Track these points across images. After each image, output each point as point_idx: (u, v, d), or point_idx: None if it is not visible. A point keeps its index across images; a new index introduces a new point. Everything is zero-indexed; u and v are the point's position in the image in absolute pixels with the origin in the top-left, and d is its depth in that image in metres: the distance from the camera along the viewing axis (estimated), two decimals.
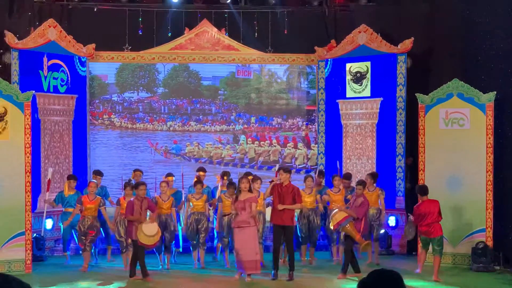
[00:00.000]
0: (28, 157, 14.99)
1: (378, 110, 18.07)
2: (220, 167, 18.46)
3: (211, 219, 15.92)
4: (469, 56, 16.83)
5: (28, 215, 14.99)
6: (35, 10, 18.11)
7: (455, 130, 15.76)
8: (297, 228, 15.96)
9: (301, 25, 19.12)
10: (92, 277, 14.54)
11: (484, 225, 15.45)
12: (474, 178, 15.52)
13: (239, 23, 18.92)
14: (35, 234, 16.01)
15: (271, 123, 19.43)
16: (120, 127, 19.08)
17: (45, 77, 17.36)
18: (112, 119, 19.04)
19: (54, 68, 17.57)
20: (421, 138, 16.06)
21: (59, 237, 17.12)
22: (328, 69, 18.69)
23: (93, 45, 18.19)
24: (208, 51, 18.91)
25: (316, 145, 19.07)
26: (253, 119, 19.40)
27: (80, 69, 18.17)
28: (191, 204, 15.62)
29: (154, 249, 15.02)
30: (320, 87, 18.86)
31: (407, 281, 4.00)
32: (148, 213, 14.36)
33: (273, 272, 14.07)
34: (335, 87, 18.63)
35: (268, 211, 14.98)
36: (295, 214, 15.46)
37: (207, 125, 19.30)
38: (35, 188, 16.34)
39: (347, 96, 18.49)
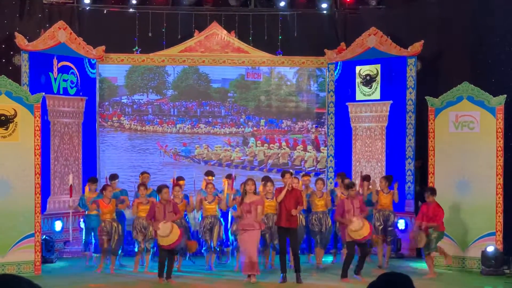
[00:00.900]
0: (37, 159, 15.02)
1: (387, 113, 18.04)
2: (229, 170, 18.42)
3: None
4: (479, 59, 16.80)
5: (38, 217, 15.02)
6: (45, 12, 18.17)
7: (465, 134, 15.72)
8: (308, 231, 15.99)
9: (310, 27, 19.10)
10: (102, 279, 14.57)
11: (493, 228, 15.40)
12: (484, 181, 15.47)
13: (248, 26, 18.91)
14: (44, 236, 16.05)
15: (281, 126, 19.41)
16: (129, 129, 19.10)
17: (55, 79, 17.40)
18: (122, 121, 19.06)
19: (64, 70, 17.60)
20: (431, 141, 16.03)
21: (68, 239, 17.17)
22: (338, 72, 18.67)
23: (103, 47, 18.22)
24: (218, 53, 18.91)
25: (326, 148, 19.04)
26: (262, 122, 19.39)
27: (90, 71, 18.20)
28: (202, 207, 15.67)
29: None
30: (329, 90, 18.84)
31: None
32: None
33: (282, 275, 14.08)
34: (344, 89, 18.61)
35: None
36: (303, 217, 15.57)
37: (216, 127, 19.30)
38: (45, 190, 16.39)
39: (357, 99, 18.47)
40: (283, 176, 14.63)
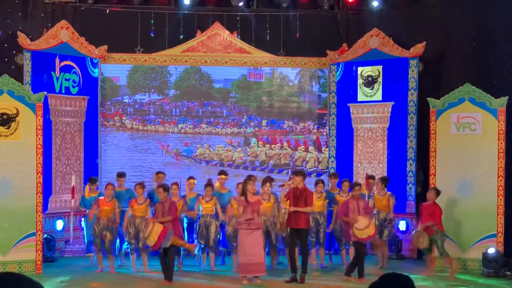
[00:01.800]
0: (39, 158, 15.04)
1: (389, 114, 18.05)
2: (231, 170, 18.43)
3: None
4: (481, 60, 16.80)
5: (39, 216, 15.04)
6: (48, 11, 18.17)
7: (467, 135, 15.72)
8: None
9: (313, 28, 19.11)
10: (103, 278, 14.59)
11: (495, 230, 15.40)
12: (485, 183, 15.48)
13: (251, 26, 18.92)
14: (46, 235, 16.07)
15: (282, 126, 19.41)
16: (131, 129, 19.10)
17: (57, 79, 17.41)
18: (123, 121, 19.06)
19: (66, 69, 17.61)
20: (432, 143, 16.04)
21: (69, 238, 17.19)
22: (339, 73, 18.67)
23: (105, 47, 18.24)
24: (220, 53, 18.92)
25: (327, 149, 19.05)
26: (264, 122, 19.39)
27: (92, 70, 18.21)
28: (200, 206, 15.65)
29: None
30: (331, 91, 18.85)
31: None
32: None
33: (291, 275, 14.10)
34: (346, 90, 18.61)
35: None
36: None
37: (218, 127, 19.31)
38: (46, 189, 16.40)
39: (359, 100, 18.47)
40: (293, 176, 14.67)
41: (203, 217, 15.56)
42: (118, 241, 15.76)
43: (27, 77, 16.67)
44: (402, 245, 17.22)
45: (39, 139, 15.05)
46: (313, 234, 15.76)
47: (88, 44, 17.99)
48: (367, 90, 18.33)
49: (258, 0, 19.10)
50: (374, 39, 17.98)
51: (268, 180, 15.32)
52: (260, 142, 19.36)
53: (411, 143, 17.59)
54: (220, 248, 16.07)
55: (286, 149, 19.38)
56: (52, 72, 17.28)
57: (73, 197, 16.42)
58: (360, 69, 18.38)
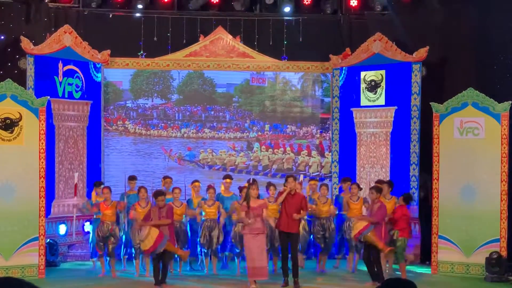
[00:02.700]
0: (42, 162, 15.06)
1: (392, 119, 18.03)
2: (233, 175, 18.41)
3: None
4: (484, 65, 16.80)
5: (42, 220, 15.05)
6: (51, 16, 18.19)
7: (470, 140, 15.71)
8: (312, 237, 16.00)
9: (315, 33, 19.11)
10: (106, 283, 14.59)
11: (498, 235, 15.38)
12: (489, 187, 15.46)
13: (254, 31, 18.92)
14: (48, 240, 16.07)
15: (285, 131, 19.41)
16: (134, 134, 19.12)
17: (60, 83, 17.42)
18: (126, 126, 19.07)
19: (69, 74, 17.62)
20: (436, 147, 16.02)
21: (71, 242, 17.20)
22: (342, 77, 18.67)
23: (108, 51, 18.24)
24: (223, 58, 18.93)
25: (330, 153, 19.04)
26: (267, 127, 19.39)
27: (95, 75, 18.22)
28: (202, 211, 15.65)
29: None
30: (334, 95, 18.84)
31: None
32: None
33: (283, 279, 14.10)
34: (349, 95, 18.60)
35: None
36: (305, 222, 15.59)
37: (221, 132, 19.31)
38: (49, 194, 16.40)
39: (362, 104, 18.46)
40: (286, 180, 14.61)
41: (206, 221, 15.55)
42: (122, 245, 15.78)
43: (30, 82, 16.66)
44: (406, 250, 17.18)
45: (42, 143, 15.07)
46: (321, 239, 15.77)
47: (91, 48, 18.01)
48: (370, 94, 18.32)
49: (261, 4, 19.11)
50: (377, 44, 17.97)
51: (272, 184, 15.44)
52: (263, 147, 19.36)
53: (414, 147, 17.56)
54: (225, 253, 16.07)
55: (289, 154, 19.37)
56: (55, 77, 17.29)
57: (75, 195, 16.40)
58: (363, 73, 18.37)
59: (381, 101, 18.16)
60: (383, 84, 18.12)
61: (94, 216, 15.90)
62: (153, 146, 19.14)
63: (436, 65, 17.76)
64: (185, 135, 19.24)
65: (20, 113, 14.90)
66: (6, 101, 14.82)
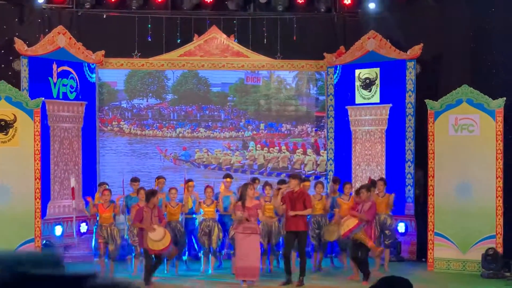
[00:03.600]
0: (37, 163, 15.05)
1: (387, 116, 18.04)
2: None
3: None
4: (478, 62, 16.82)
5: (38, 221, 15.04)
6: (45, 17, 18.16)
7: (465, 137, 15.73)
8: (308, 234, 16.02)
9: (310, 31, 19.11)
10: None
11: (494, 231, 15.40)
12: (484, 184, 15.48)
13: (248, 30, 18.92)
14: (44, 241, 16.05)
15: (280, 130, 19.41)
16: (129, 134, 19.09)
17: (55, 84, 17.40)
18: (121, 126, 19.05)
19: (63, 75, 17.60)
20: (431, 145, 16.04)
21: (67, 244, 17.16)
22: (337, 76, 18.67)
23: (103, 52, 18.22)
24: (217, 57, 18.92)
25: (326, 151, 19.05)
26: (262, 126, 19.39)
27: (89, 75, 18.20)
28: (201, 210, 15.67)
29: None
30: (329, 94, 18.85)
31: None
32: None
33: (286, 277, 14.12)
34: (344, 93, 18.61)
35: None
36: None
37: (216, 131, 19.30)
38: (45, 195, 16.38)
39: (356, 102, 18.46)
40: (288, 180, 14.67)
41: (205, 221, 15.55)
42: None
43: (25, 83, 16.64)
44: (401, 247, 17.21)
45: (37, 144, 15.06)
46: (316, 237, 15.79)
47: (85, 49, 17.99)
48: (365, 92, 18.32)
49: (255, 3, 19.10)
50: (371, 42, 17.98)
51: (268, 183, 15.46)
52: (258, 146, 19.36)
53: (409, 145, 17.58)
54: (222, 252, 16.11)
55: (284, 152, 19.37)
56: (49, 78, 17.26)
57: (73, 199, 16.40)
58: (357, 71, 18.37)
59: (376, 98, 18.18)
60: (377, 82, 18.13)
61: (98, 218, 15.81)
62: (149, 146, 19.12)
63: (431, 63, 17.79)
64: (180, 134, 19.23)
65: (14, 115, 14.89)
66: (1, 103, 14.81)
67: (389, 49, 17.82)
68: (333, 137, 18.80)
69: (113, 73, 18.91)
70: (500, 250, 15.26)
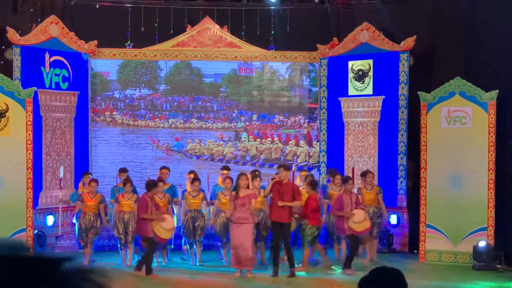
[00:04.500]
0: (29, 153, 15.02)
1: (380, 108, 18.05)
2: (221, 165, 18.40)
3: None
4: (471, 54, 16.82)
5: (30, 211, 15.01)
6: (37, 6, 18.10)
7: (457, 129, 15.75)
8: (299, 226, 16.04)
9: (303, 22, 19.09)
10: None
11: (485, 223, 15.43)
12: (476, 176, 15.50)
13: (241, 21, 18.89)
14: (36, 231, 16.03)
15: (273, 121, 19.41)
16: (121, 124, 19.07)
17: (47, 74, 17.35)
18: (114, 116, 19.02)
19: (56, 64, 17.55)
20: (423, 137, 16.05)
21: (58, 234, 17.15)
22: (330, 67, 18.65)
23: (95, 42, 18.18)
24: (210, 48, 18.89)
25: (318, 143, 19.05)
26: (255, 117, 19.38)
27: (82, 65, 18.15)
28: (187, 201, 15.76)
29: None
30: (322, 85, 18.84)
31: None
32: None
33: (273, 268, 14.14)
34: (337, 84, 18.61)
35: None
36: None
37: (208, 122, 19.28)
38: (37, 185, 16.35)
39: (349, 94, 18.46)
40: (278, 170, 14.72)
41: (189, 212, 15.58)
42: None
43: (17, 73, 16.60)
44: (393, 239, 17.24)
45: (29, 134, 15.03)
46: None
47: (78, 39, 17.94)
48: (358, 84, 18.33)
49: None
50: (364, 33, 17.97)
51: (257, 175, 15.43)
52: (251, 137, 19.36)
53: (402, 137, 17.60)
54: (215, 243, 16.19)
55: (277, 144, 19.37)
56: (42, 68, 17.22)
57: (61, 189, 16.38)
58: (350, 63, 18.37)
59: (369, 90, 18.18)
60: (370, 73, 18.13)
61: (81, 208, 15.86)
62: (141, 136, 19.10)
63: (424, 54, 17.79)
64: (173, 125, 19.21)
65: (6, 104, 14.85)
66: None
67: (382, 41, 17.82)
68: (325, 129, 18.81)
69: (106, 63, 18.88)
70: (491, 242, 15.29)
